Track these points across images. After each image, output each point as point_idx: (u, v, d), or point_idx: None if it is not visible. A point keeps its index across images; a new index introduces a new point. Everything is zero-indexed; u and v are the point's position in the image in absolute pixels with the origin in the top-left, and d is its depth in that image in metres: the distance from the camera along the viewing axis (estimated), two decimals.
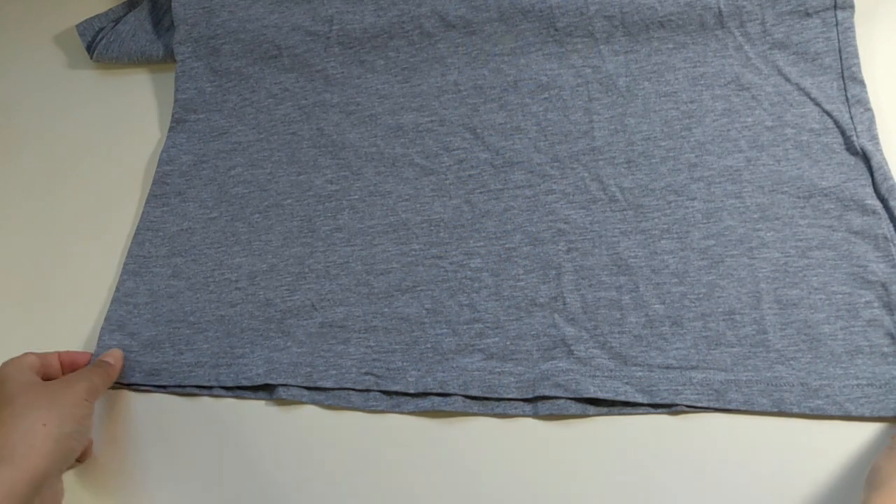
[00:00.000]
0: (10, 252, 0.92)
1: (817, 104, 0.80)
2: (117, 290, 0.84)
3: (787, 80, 0.82)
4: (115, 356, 0.79)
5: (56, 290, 0.88)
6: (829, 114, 0.79)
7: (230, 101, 0.95)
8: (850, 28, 0.82)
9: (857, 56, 0.81)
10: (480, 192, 0.82)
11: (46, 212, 0.94)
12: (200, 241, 0.86)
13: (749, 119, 0.81)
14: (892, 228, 0.72)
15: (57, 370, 0.76)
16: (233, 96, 0.95)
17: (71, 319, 0.86)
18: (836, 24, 0.83)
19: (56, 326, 0.86)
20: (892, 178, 0.74)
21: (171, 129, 0.94)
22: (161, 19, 1.01)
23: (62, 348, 0.81)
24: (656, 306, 0.74)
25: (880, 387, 0.67)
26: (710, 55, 0.86)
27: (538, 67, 0.89)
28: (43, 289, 0.89)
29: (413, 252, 0.81)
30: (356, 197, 0.85)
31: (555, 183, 0.81)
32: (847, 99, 0.80)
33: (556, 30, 0.89)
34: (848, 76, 0.81)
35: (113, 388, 0.79)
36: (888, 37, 0.84)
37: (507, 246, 0.79)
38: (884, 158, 0.75)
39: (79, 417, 0.68)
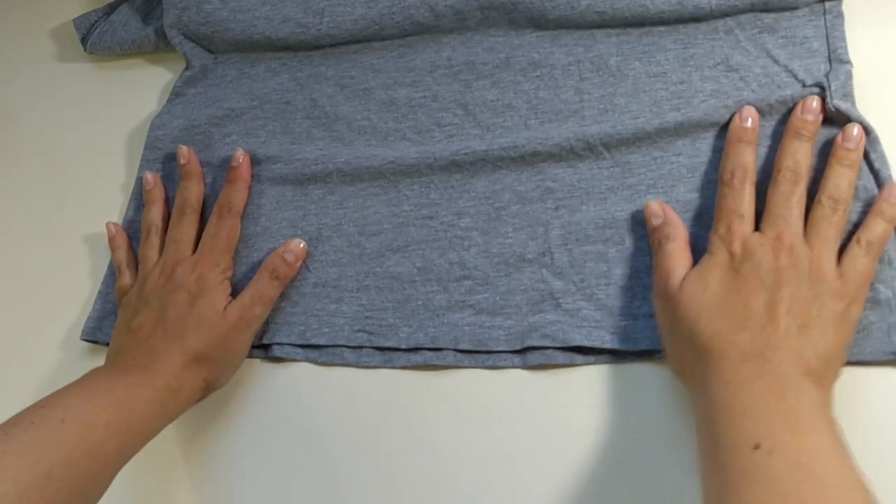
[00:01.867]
0: (6, 238, 0.93)
1: (804, 85, 0.82)
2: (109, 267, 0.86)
3: (776, 61, 0.84)
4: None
5: (50, 271, 0.89)
6: (813, 85, 0.81)
7: (228, 76, 0.96)
8: (839, 15, 0.84)
9: (844, 40, 0.83)
10: (466, 154, 0.83)
11: (42, 205, 0.95)
12: None
13: (737, 100, 0.82)
14: (872, 180, 0.73)
15: None
16: (231, 70, 0.97)
17: (66, 289, 0.87)
18: (825, 13, 0.84)
19: (52, 298, 0.87)
20: (873, 130, 0.74)
21: (168, 101, 0.96)
22: (153, 9, 1.03)
23: (59, 322, 0.84)
24: (642, 258, 0.75)
25: (858, 332, 0.66)
26: (700, 37, 0.87)
27: (531, 46, 0.91)
28: (37, 270, 0.90)
29: (404, 213, 0.82)
30: (342, 160, 0.86)
31: (540, 145, 0.82)
32: (831, 72, 0.81)
33: (548, 20, 0.91)
34: (834, 58, 0.82)
35: (99, 348, 0.80)
36: (873, 23, 0.86)
37: (496, 205, 0.80)
38: (861, 114, 0.76)
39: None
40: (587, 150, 0.81)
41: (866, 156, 0.74)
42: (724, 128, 0.79)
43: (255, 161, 0.88)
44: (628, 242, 0.76)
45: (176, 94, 0.96)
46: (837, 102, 0.77)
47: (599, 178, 0.80)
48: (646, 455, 0.68)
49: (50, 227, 0.92)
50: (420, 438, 0.72)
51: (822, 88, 0.78)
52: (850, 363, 0.67)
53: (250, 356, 0.79)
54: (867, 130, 0.75)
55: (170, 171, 0.90)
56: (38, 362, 0.83)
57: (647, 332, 0.71)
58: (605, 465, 0.68)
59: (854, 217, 0.72)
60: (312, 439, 0.74)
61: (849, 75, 0.79)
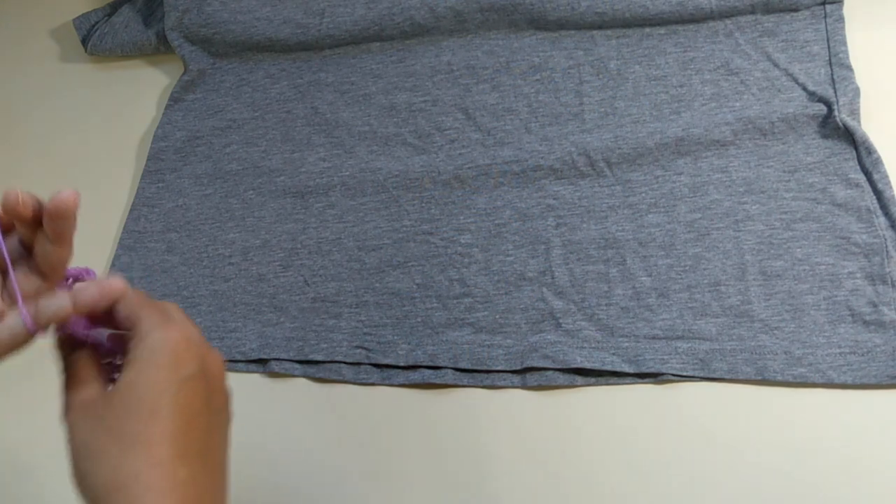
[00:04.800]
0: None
1: (804, 89, 0.82)
2: (112, 264, 0.85)
3: (776, 65, 0.84)
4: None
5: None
6: (815, 94, 0.80)
7: (227, 82, 0.96)
8: (840, 19, 0.85)
9: (844, 44, 0.83)
10: (469, 168, 0.83)
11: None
12: (195, 216, 0.86)
13: (737, 104, 0.82)
14: (875, 200, 0.74)
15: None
16: (230, 76, 0.96)
17: None
18: (825, 17, 0.85)
19: None
20: (876, 151, 0.75)
21: (167, 107, 0.95)
22: (154, 11, 1.02)
23: None
24: (643, 278, 0.75)
25: (862, 355, 0.68)
26: (700, 40, 0.87)
27: (531, 49, 0.90)
28: None
29: (404, 228, 0.82)
30: (347, 174, 0.86)
31: (542, 158, 0.82)
32: (833, 81, 0.81)
33: (548, 21, 0.91)
34: (835, 62, 0.82)
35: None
36: (875, 26, 0.85)
37: (496, 222, 0.80)
38: (865, 133, 0.76)
39: None
40: (589, 166, 0.81)
41: (868, 176, 0.75)
42: (726, 146, 0.79)
43: (257, 173, 0.88)
44: (629, 263, 0.76)
45: (175, 99, 0.95)
46: (845, 119, 0.77)
47: (601, 196, 0.79)
48: (647, 476, 0.68)
49: None
50: (418, 455, 0.72)
51: (829, 105, 0.78)
52: (854, 386, 0.68)
53: (248, 371, 0.79)
54: (869, 151, 0.75)
55: (171, 182, 0.90)
56: (36, 367, 0.83)
57: (648, 354, 0.71)
58: (605, 485, 0.68)
59: (855, 237, 0.73)
60: (310, 455, 0.74)
61: (857, 92, 0.79)
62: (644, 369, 0.71)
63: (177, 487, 0.46)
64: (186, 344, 0.49)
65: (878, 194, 0.74)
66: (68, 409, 0.48)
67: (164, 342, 0.48)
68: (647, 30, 0.89)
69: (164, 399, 0.47)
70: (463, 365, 0.74)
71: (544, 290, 0.76)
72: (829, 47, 0.83)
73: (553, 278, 0.77)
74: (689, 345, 0.71)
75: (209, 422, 0.50)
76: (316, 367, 0.78)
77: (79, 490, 0.46)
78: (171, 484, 0.46)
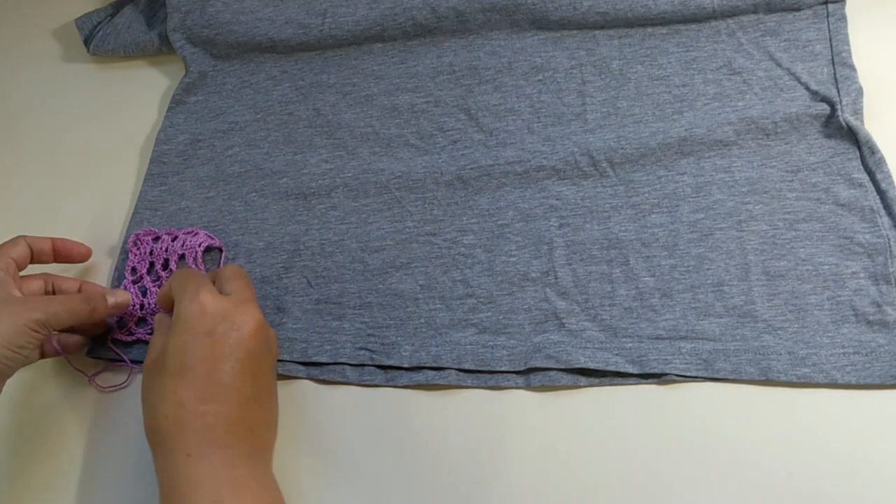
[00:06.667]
0: (10, 234, 0.92)
1: (807, 88, 0.82)
2: (116, 268, 0.85)
3: (779, 65, 0.84)
4: (118, 299, 0.76)
5: (55, 270, 0.89)
6: (817, 93, 0.81)
7: (229, 84, 0.96)
8: (842, 18, 0.85)
9: (847, 43, 0.84)
10: (472, 169, 0.83)
11: (45, 206, 0.94)
12: (198, 219, 0.86)
13: (740, 103, 0.83)
14: (878, 200, 0.74)
15: (48, 256, 0.80)
16: (232, 79, 0.96)
17: None
18: (828, 16, 0.85)
19: None
20: (879, 150, 0.75)
21: (169, 109, 0.95)
22: (157, 12, 1.02)
23: None
24: (646, 279, 0.75)
25: (866, 355, 0.68)
26: (702, 40, 0.87)
27: (533, 49, 0.91)
28: (42, 269, 0.89)
29: (407, 229, 0.82)
30: (350, 175, 0.86)
31: (545, 159, 0.82)
32: (836, 80, 0.81)
33: (550, 21, 0.91)
34: (838, 62, 0.83)
35: (103, 363, 0.80)
36: (877, 25, 0.86)
37: (499, 222, 0.80)
38: (869, 133, 0.76)
39: (15, 346, 0.65)
40: (591, 166, 0.81)
41: (872, 175, 0.75)
42: (729, 146, 0.79)
43: (259, 175, 0.88)
44: (632, 263, 0.76)
45: (176, 102, 0.95)
46: (848, 118, 0.77)
47: (603, 197, 0.80)
48: (651, 476, 0.68)
49: (53, 229, 0.92)
50: (423, 456, 0.72)
51: (832, 105, 0.79)
52: (857, 386, 0.68)
53: None
54: (873, 150, 0.75)
55: (173, 185, 0.89)
56: (38, 369, 0.83)
57: (651, 355, 0.71)
58: (609, 485, 0.68)
59: (858, 237, 0.73)
60: (313, 457, 0.74)
61: (860, 92, 0.79)
62: (647, 370, 0.71)
63: (198, 418, 0.59)
64: (204, 309, 0.63)
65: (882, 194, 0.74)
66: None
67: (186, 312, 0.63)
68: (650, 29, 0.89)
69: (185, 357, 0.61)
70: (466, 366, 0.74)
71: (548, 290, 0.76)
72: (831, 46, 0.84)
73: (556, 279, 0.77)
74: (693, 345, 0.71)
75: (233, 367, 0.62)
76: (320, 369, 0.77)
77: (146, 434, 0.62)
78: (193, 417, 0.59)
